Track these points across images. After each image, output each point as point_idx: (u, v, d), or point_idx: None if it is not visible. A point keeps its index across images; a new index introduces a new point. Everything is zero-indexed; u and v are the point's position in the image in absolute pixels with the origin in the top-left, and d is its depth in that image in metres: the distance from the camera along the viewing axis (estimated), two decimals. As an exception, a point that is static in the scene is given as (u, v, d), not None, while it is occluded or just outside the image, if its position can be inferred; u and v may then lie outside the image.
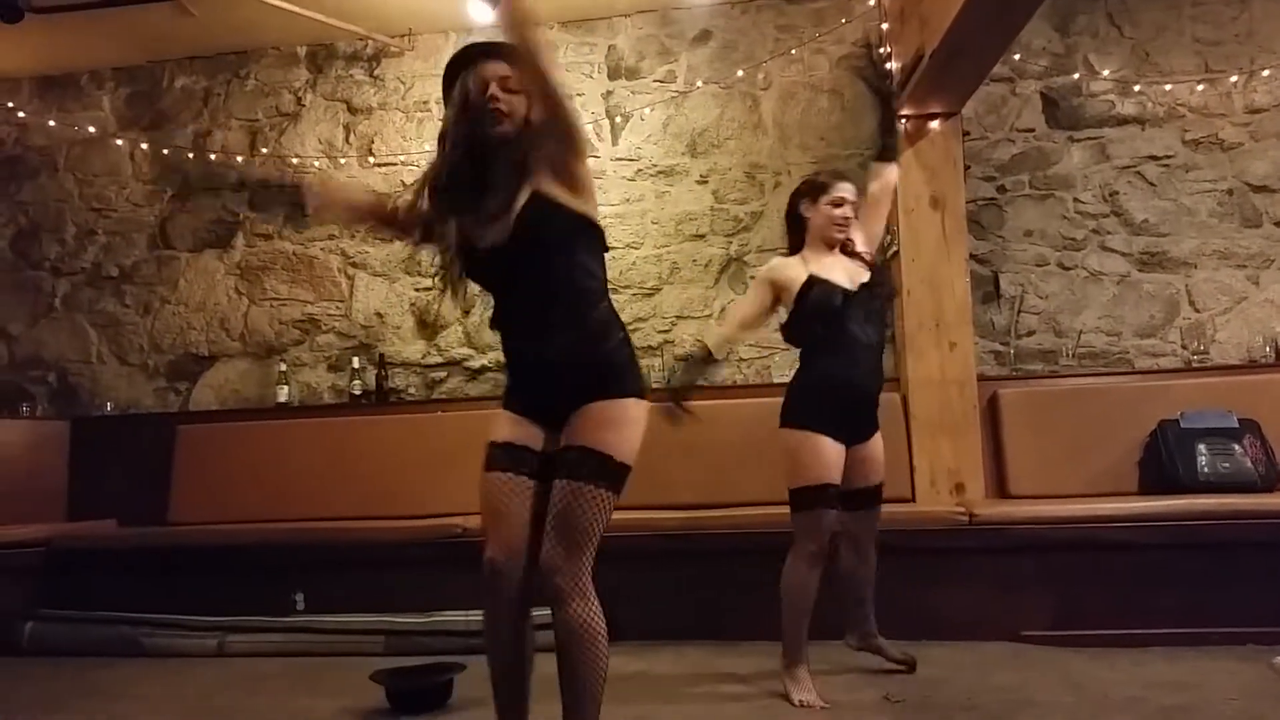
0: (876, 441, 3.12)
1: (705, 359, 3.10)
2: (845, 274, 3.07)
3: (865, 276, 3.09)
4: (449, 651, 3.53)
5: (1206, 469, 3.94)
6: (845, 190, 3.10)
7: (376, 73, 5.34)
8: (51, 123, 5.51)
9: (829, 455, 2.95)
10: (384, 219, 2.33)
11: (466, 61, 2.12)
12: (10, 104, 5.55)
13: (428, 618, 3.83)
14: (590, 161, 5.05)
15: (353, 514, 4.44)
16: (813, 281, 3.02)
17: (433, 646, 3.68)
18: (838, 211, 3.08)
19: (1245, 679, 3.02)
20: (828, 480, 2.94)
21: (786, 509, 3.02)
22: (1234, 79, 4.68)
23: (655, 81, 5.11)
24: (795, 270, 3.09)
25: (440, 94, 2.20)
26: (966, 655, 3.44)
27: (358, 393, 5.02)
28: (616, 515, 2.07)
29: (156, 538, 4.44)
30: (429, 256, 2.22)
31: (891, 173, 3.28)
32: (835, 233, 3.10)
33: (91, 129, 5.51)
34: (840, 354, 3.02)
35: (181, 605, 4.08)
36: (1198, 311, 4.66)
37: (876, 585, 3.23)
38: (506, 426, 2.12)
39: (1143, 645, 3.45)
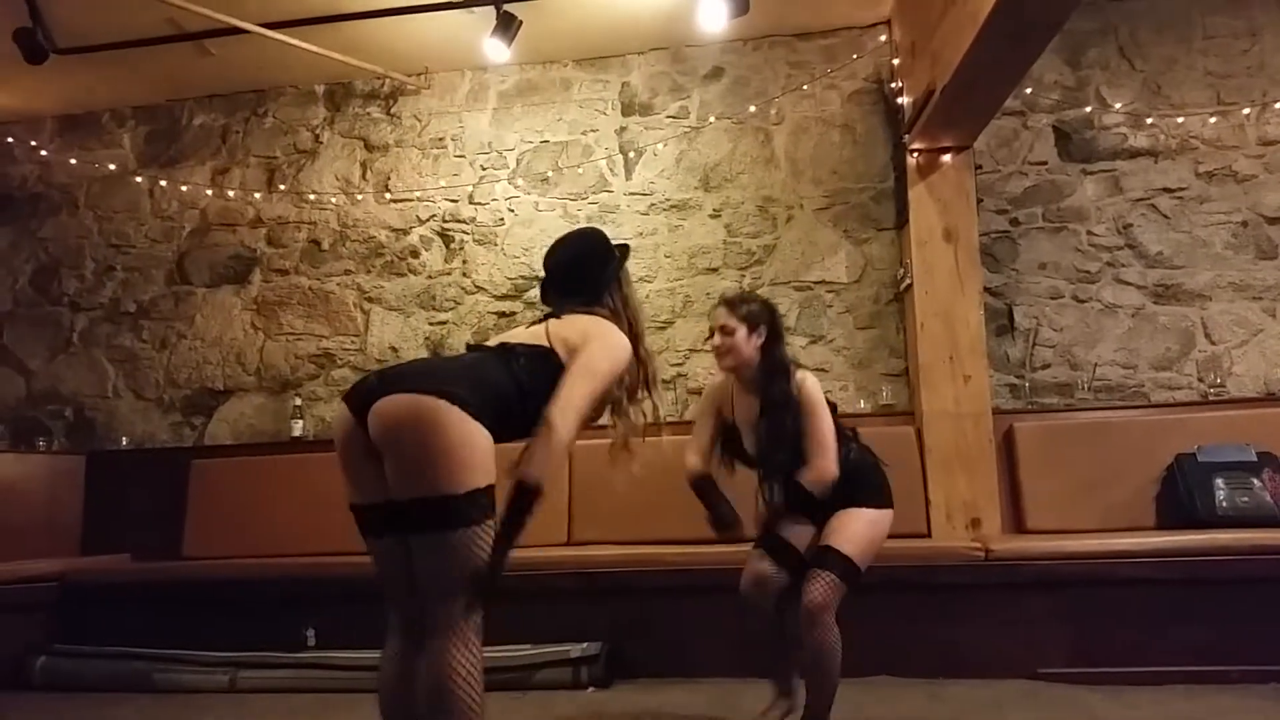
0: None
1: None
2: None
3: None
4: (461, 688, 3.49)
5: (1225, 503, 3.89)
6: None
7: (393, 110, 5.40)
8: (73, 160, 5.60)
9: None
10: None
11: None
12: (33, 142, 5.65)
13: (439, 653, 3.80)
14: (603, 196, 5.11)
15: (366, 549, 4.41)
16: None
17: (444, 683, 3.64)
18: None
19: (1268, 718, 2.97)
20: None
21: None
22: (1246, 111, 4.68)
23: (668, 117, 5.15)
24: None
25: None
26: (983, 693, 3.39)
27: (372, 427, 5.01)
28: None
29: (170, 572, 4.45)
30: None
31: None
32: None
33: (112, 166, 5.60)
34: None
35: (194, 640, 4.07)
36: (1214, 344, 4.62)
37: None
38: None
39: (1162, 683, 3.39)
